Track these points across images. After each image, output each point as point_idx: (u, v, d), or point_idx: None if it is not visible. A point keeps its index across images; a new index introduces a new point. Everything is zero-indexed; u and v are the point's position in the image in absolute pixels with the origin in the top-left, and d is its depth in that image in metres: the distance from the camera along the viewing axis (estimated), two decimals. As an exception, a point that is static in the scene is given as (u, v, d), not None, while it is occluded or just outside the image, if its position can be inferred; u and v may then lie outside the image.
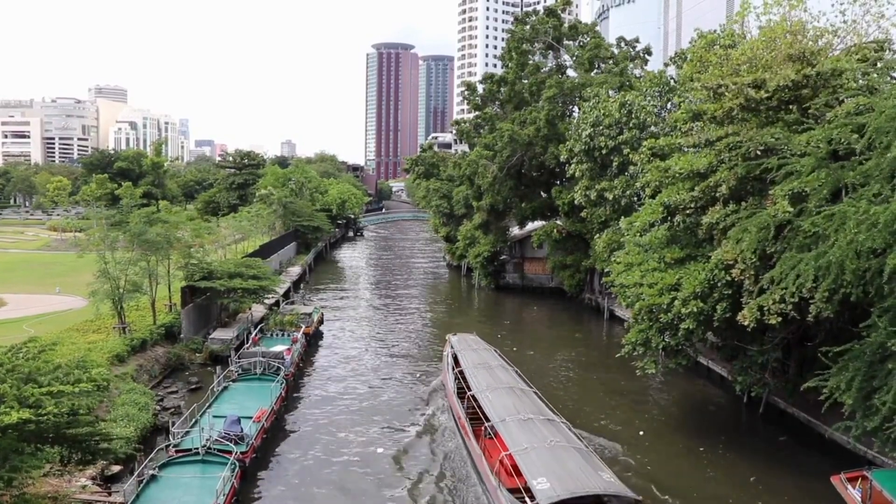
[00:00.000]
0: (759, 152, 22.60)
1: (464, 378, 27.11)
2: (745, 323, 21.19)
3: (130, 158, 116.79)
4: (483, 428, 22.61)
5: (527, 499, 18.04)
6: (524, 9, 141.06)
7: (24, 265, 60.33)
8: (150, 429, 25.12)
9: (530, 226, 60.75)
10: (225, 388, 28.20)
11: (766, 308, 20.40)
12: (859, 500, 18.27)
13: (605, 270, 37.78)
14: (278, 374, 29.44)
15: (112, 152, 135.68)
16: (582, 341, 45.61)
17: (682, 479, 22.88)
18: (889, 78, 23.61)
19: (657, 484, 22.41)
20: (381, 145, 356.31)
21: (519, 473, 18.92)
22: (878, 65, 24.23)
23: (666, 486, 22.27)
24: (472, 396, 24.84)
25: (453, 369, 28.72)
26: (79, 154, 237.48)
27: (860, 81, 22.79)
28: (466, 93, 65.22)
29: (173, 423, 23.69)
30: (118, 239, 35.82)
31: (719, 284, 23.03)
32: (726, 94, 23.71)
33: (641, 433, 26.69)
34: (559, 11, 59.82)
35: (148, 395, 27.51)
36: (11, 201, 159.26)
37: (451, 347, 30.99)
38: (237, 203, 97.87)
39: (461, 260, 69.55)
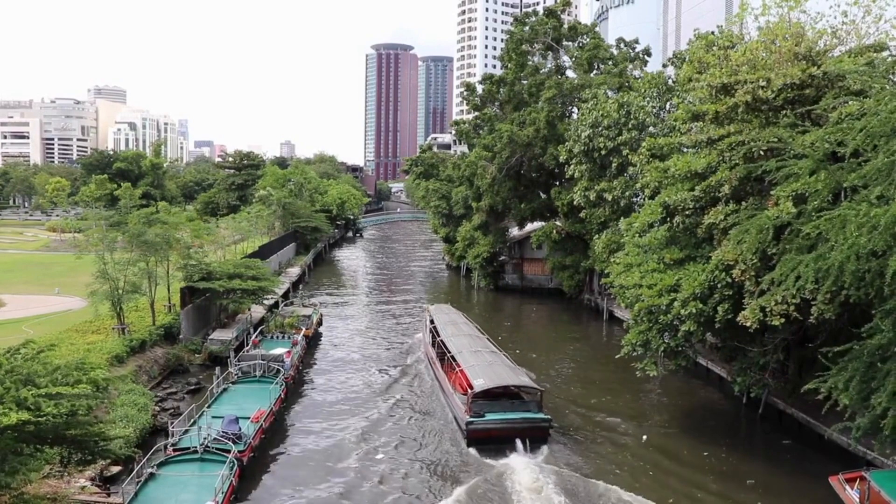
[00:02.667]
0: (762, 152, 22.55)
1: (436, 332, 34.35)
2: (747, 324, 21.18)
3: (129, 159, 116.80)
4: (446, 359, 30.87)
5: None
6: (524, 9, 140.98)
7: (23, 266, 60.28)
8: (149, 430, 25.06)
9: (529, 226, 60.74)
10: (224, 389, 28.18)
11: (768, 308, 20.40)
12: (857, 500, 18.27)
13: (605, 271, 37.80)
14: (278, 377, 29.45)
15: (111, 153, 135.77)
16: (582, 342, 45.61)
17: (685, 481, 22.93)
18: (888, 80, 23.47)
19: (660, 485, 22.56)
20: (380, 146, 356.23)
21: (470, 387, 26.07)
22: (882, 67, 24.02)
23: (669, 487, 22.38)
24: (441, 341, 32.61)
25: (428, 326, 36.50)
26: (78, 155, 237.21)
27: (862, 84, 22.65)
28: (466, 93, 65.22)
29: (172, 424, 23.68)
30: (117, 240, 35.77)
31: (720, 285, 23.00)
32: (739, 90, 23.58)
33: (645, 437, 26.66)
34: (559, 12, 59.84)
35: (147, 396, 27.48)
36: (10, 202, 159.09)
37: (429, 313, 38.32)
38: (236, 204, 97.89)
39: (460, 261, 69.53)
